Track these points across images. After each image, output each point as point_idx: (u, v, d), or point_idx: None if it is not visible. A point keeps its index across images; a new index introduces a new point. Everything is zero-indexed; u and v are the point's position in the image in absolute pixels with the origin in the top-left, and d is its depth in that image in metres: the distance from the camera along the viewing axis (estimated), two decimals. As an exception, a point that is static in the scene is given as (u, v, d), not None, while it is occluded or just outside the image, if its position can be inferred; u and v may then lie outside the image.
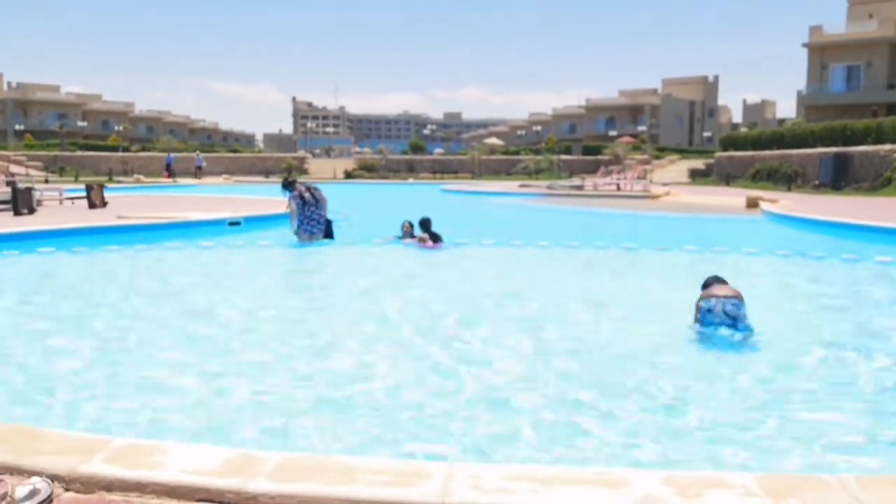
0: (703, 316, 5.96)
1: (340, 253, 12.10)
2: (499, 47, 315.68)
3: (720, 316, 5.87)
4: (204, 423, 4.18)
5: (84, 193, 19.79)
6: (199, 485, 2.78)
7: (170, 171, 46.13)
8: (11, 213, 16.86)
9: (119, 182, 39.62)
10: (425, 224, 12.03)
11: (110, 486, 2.82)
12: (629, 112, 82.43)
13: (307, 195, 12.42)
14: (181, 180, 45.14)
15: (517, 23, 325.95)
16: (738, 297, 5.94)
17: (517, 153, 64.20)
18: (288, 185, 12.76)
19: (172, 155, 49.70)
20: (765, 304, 7.35)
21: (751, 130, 53.30)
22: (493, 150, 64.65)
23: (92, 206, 18.89)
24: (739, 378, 5.12)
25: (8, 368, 5.22)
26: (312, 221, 12.40)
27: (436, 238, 11.99)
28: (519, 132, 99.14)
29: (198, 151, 52.61)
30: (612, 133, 75.26)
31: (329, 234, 12.80)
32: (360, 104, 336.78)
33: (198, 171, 46.01)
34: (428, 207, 19.67)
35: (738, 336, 5.90)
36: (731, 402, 4.62)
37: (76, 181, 35.68)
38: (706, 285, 6.23)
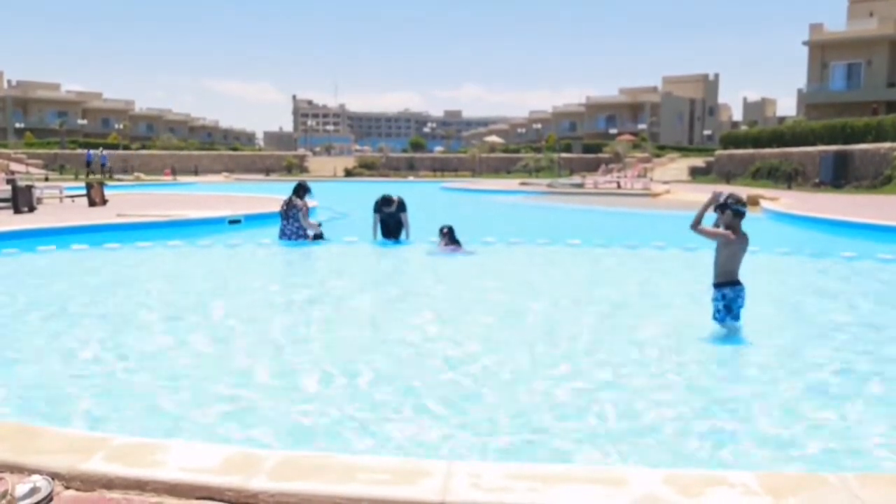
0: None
1: (329, 251, 12.07)
2: (498, 45, 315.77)
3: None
4: (217, 421, 4.18)
5: (84, 191, 19.79)
6: (200, 483, 2.78)
7: (90, 170, 44.85)
8: (12, 211, 16.86)
9: (119, 180, 39.63)
10: (450, 234, 11.45)
11: (110, 484, 2.82)
12: (629, 110, 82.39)
13: (282, 208, 12.56)
14: (181, 178, 45.14)
15: (516, 21, 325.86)
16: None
17: (517, 151, 64.29)
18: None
19: (92, 152, 47.99)
20: (765, 302, 7.36)
21: (751, 128, 53.31)
22: (493, 148, 64.75)
23: (92, 204, 18.88)
24: (740, 378, 5.12)
25: (7, 368, 5.22)
26: (283, 230, 12.49)
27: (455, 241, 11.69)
28: (519, 130, 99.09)
29: (101, 149, 51.32)
30: (613, 131, 75.29)
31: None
32: (361, 102, 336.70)
33: (101, 170, 44.87)
34: (428, 205, 19.68)
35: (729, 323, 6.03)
36: (730, 400, 4.62)
37: (76, 179, 35.71)
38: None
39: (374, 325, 6.63)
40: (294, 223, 12.41)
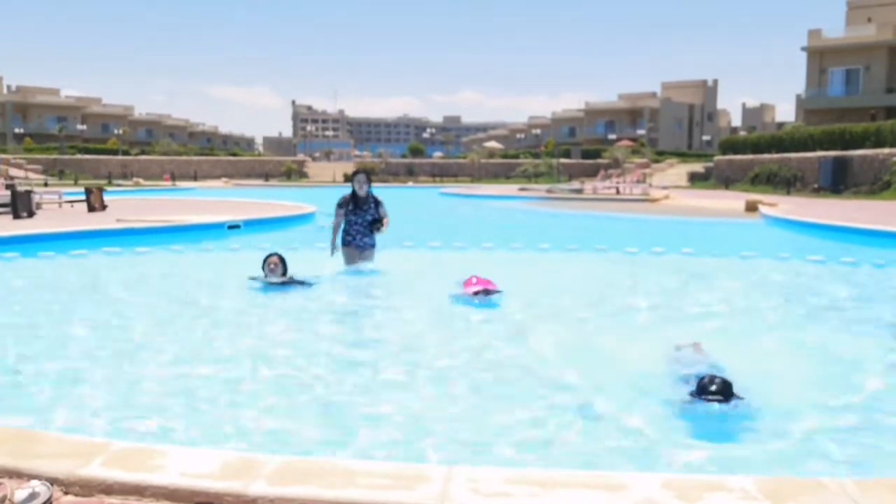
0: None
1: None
2: (496, 50, 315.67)
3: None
4: (214, 426, 4.17)
5: (83, 197, 19.79)
6: (199, 488, 2.78)
7: None
8: (11, 216, 16.86)
9: (118, 185, 39.67)
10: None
11: (109, 489, 2.82)
12: (628, 116, 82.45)
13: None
14: (180, 183, 45.16)
15: (515, 26, 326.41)
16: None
17: (516, 157, 64.43)
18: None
19: None
20: (763, 307, 7.37)
21: (750, 134, 53.42)
22: (492, 153, 64.86)
23: (91, 209, 18.88)
24: (738, 381, 5.12)
25: (7, 369, 5.22)
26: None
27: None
28: (518, 136, 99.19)
29: None
30: (612, 137, 75.32)
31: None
32: (360, 108, 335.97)
33: None
34: (428, 210, 19.67)
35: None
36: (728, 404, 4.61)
37: (76, 184, 35.74)
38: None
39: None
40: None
